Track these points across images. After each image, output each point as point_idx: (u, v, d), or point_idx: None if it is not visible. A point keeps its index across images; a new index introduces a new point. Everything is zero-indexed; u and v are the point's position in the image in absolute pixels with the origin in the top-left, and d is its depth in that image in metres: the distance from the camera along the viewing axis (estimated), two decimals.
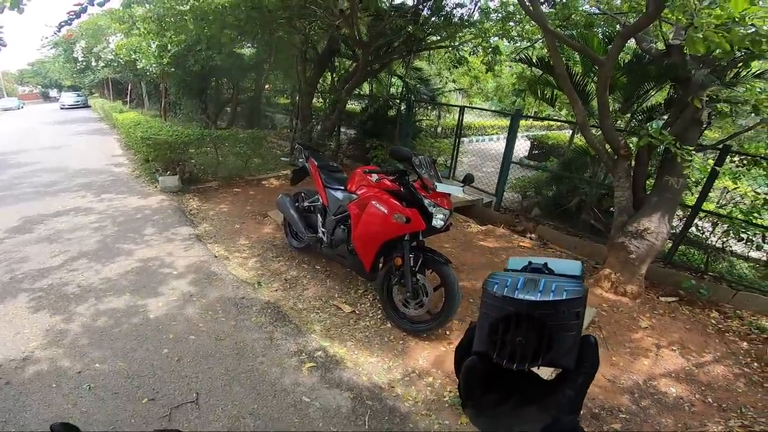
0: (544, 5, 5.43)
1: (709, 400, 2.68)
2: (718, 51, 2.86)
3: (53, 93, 41.32)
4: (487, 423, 0.49)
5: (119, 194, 6.25)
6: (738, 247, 4.45)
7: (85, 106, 26.89)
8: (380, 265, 3.25)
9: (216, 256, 4.21)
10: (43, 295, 3.38)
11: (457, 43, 7.50)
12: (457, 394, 2.51)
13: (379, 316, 3.28)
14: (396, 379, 2.63)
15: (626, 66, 4.83)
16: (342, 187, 3.55)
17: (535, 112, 11.72)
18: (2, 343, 2.78)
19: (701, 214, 4.42)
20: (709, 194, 4.58)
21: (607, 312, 3.58)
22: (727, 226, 4.17)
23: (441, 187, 2.90)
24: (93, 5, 4.03)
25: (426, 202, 2.84)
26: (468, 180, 3.26)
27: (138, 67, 9.45)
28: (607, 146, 4.05)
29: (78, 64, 19.49)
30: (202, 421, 2.20)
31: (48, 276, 3.68)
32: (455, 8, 6.95)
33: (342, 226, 3.47)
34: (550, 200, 6.01)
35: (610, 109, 5.75)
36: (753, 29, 2.20)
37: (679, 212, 4.61)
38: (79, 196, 6.13)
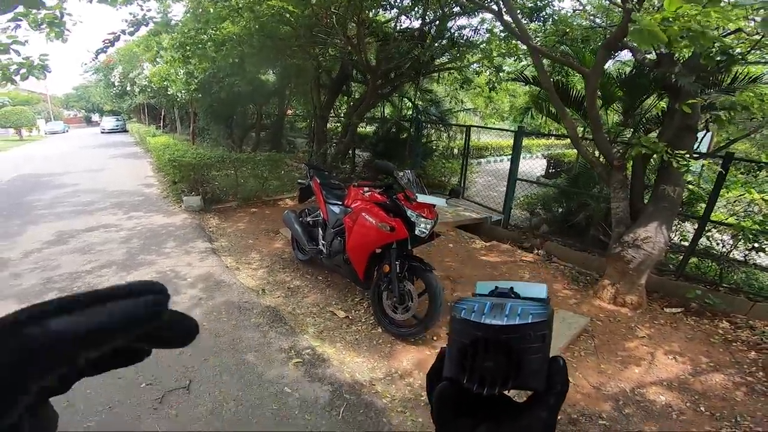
0: (534, 22, 5.57)
1: (701, 408, 2.62)
2: (704, 56, 2.93)
3: (95, 117, 42.75)
4: None
5: (147, 213, 6.72)
6: (762, 259, 4.28)
7: (124, 130, 28.16)
8: (374, 274, 3.41)
9: (228, 267, 4.48)
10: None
11: (464, 64, 7.65)
12: None
13: (371, 322, 3.41)
14: (378, 378, 2.74)
15: (620, 78, 4.88)
16: (340, 203, 3.78)
17: (551, 130, 11.60)
18: None
19: (713, 224, 4.31)
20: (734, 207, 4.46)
21: (602, 321, 3.56)
22: (741, 236, 4.06)
23: (422, 198, 3.06)
24: (125, 34, 4.57)
25: (409, 212, 3.01)
26: (454, 193, 3.44)
27: (169, 93, 10.12)
28: (602, 157, 4.09)
29: (115, 89, 20.47)
30: (190, 404, 2.39)
31: (78, 280, 4.05)
32: (459, 30, 7.16)
33: (339, 238, 3.67)
34: (558, 216, 6.00)
35: (612, 122, 5.77)
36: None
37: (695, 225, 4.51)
38: (112, 214, 6.63)
